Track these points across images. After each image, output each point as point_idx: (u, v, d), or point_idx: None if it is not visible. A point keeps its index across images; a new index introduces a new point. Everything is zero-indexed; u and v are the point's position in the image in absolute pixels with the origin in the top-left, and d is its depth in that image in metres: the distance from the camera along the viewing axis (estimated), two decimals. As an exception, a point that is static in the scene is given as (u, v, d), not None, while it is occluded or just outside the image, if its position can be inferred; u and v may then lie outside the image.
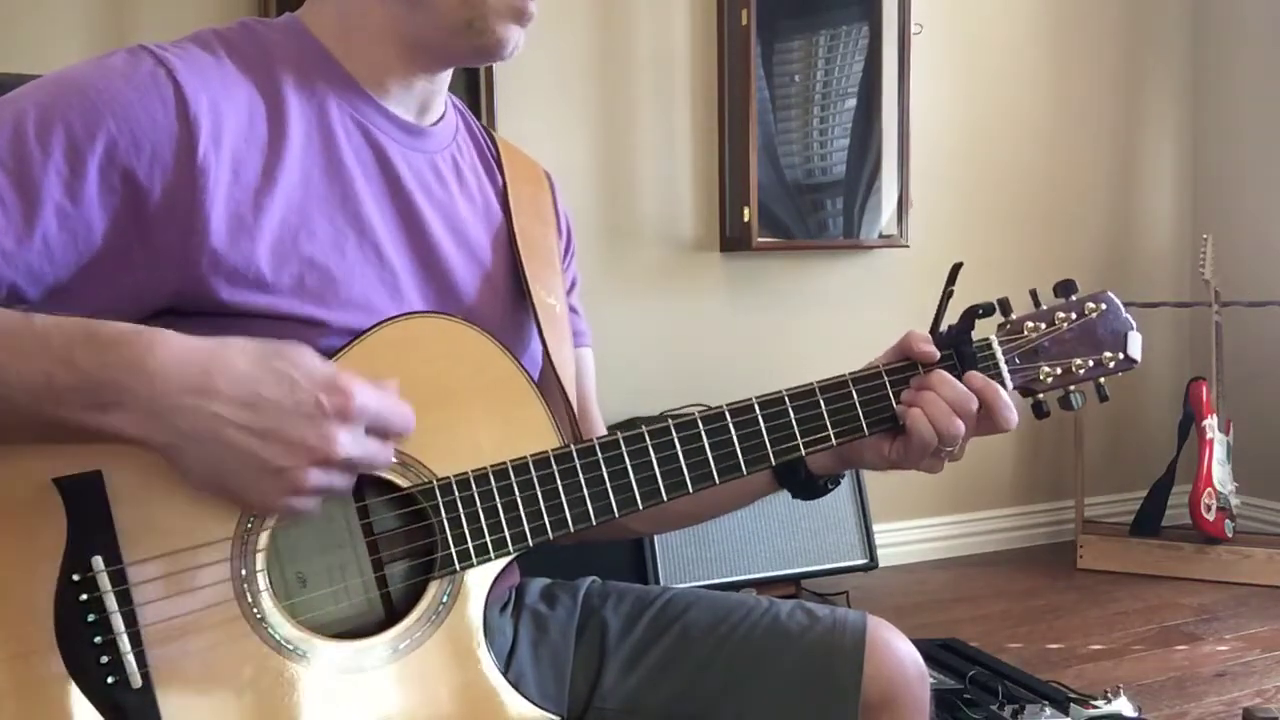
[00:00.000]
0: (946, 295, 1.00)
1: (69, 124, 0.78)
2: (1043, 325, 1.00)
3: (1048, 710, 1.94)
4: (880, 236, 3.05)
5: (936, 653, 2.23)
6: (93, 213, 0.79)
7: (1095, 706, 1.96)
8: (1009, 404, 0.95)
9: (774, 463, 0.93)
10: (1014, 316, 1.00)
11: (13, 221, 0.77)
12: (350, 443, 0.75)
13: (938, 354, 0.96)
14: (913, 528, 3.22)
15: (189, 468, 0.75)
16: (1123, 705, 1.96)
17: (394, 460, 0.81)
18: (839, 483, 1.05)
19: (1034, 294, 1.03)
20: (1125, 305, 1.03)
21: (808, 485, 1.03)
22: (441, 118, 1.01)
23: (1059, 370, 1.00)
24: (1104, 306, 1.02)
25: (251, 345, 0.76)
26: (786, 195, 2.93)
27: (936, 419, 0.92)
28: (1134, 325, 1.02)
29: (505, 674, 0.87)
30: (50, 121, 0.78)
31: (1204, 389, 3.05)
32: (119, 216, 0.80)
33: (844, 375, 0.95)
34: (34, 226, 0.77)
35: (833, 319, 3.02)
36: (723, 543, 2.59)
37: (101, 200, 0.79)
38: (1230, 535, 2.99)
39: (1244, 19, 3.41)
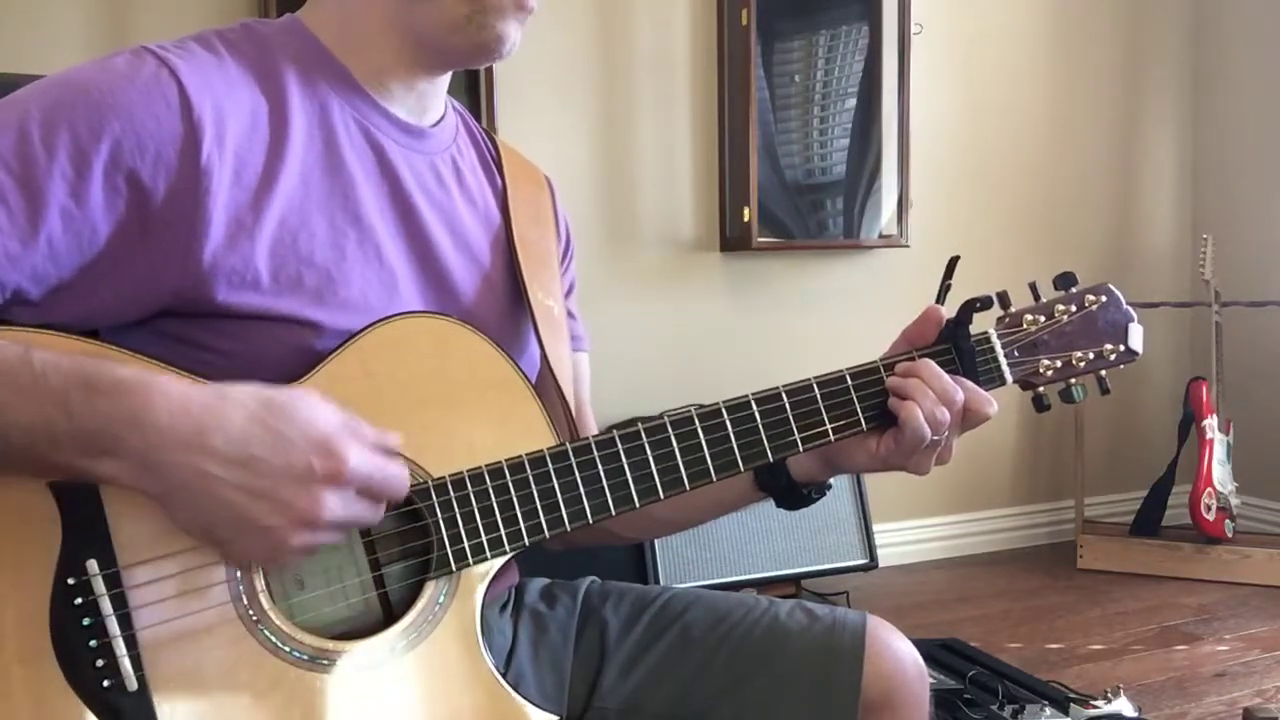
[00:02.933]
0: (944, 288, 1.00)
1: (73, 126, 0.78)
2: (1042, 318, 1.00)
3: (1048, 710, 1.94)
4: (880, 236, 3.05)
5: (936, 653, 2.22)
6: (97, 214, 0.79)
7: (1095, 706, 1.96)
8: (983, 394, 0.94)
9: (771, 459, 0.93)
10: (1013, 309, 1.00)
11: (18, 224, 0.77)
12: (338, 506, 0.75)
13: (940, 311, 0.96)
14: (913, 528, 3.22)
15: (178, 517, 0.75)
16: (1123, 705, 1.96)
17: (381, 518, 0.80)
18: (824, 493, 1.03)
19: (1033, 286, 1.02)
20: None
21: (791, 493, 1.02)
22: (441, 119, 1.01)
23: (1059, 363, 1.00)
24: (1104, 298, 1.01)
25: (251, 399, 0.75)
26: (786, 195, 2.93)
27: (927, 409, 0.91)
28: (1134, 317, 1.01)
29: (505, 674, 0.87)
30: (55, 124, 0.78)
31: (1204, 389, 3.04)
32: (123, 218, 0.80)
33: (842, 370, 0.95)
34: (39, 229, 0.77)
35: (833, 319, 3.02)
36: (723, 543, 2.59)
37: (106, 202, 0.79)
38: (1230, 535, 2.99)
39: (1244, 19, 3.41)
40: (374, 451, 0.77)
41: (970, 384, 0.94)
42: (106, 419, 0.72)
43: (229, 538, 0.75)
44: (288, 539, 0.74)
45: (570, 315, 1.11)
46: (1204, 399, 3.04)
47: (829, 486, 1.04)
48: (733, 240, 2.93)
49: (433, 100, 0.99)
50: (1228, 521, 2.98)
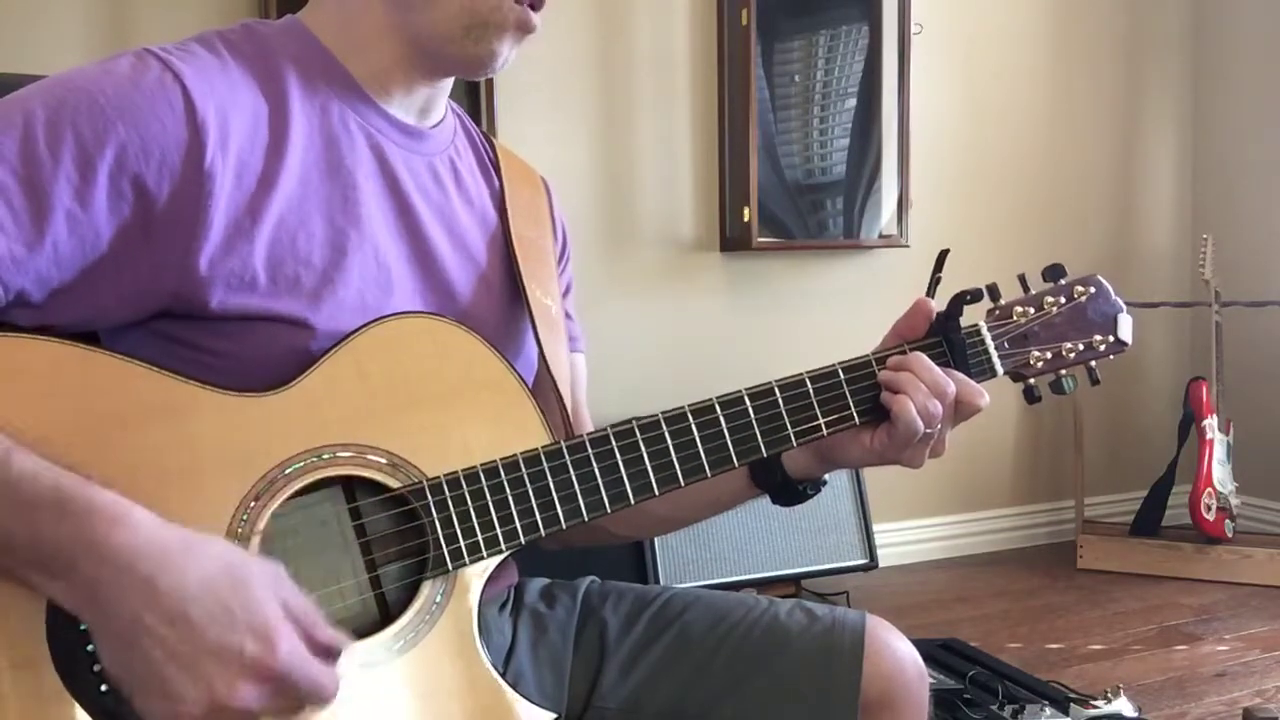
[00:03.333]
0: (934, 281, 1.00)
1: (79, 130, 0.78)
2: (1031, 310, 1.00)
3: (1048, 710, 1.94)
4: (880, 236, 3.05)
5: (936, 653, 2.22)
6: (101, 218, 0.79)
7: (1095, 706, 1.96)
8: (975, 385, 0.95)
9: (765, 454, 0.93)
10: (1003, 302, 1.00)
11: (23, 227, 0.76)
12: (252, 698, 0.71)
13: (930, 304, 0.96)
14: (913, 528, 3.22)
15: (102, 652, 0.72)
16: (1123, 705, 1.96)
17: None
18: (819, 489, 1.03)
19: (1022, 278, 1.02)
20: (1125, 305, 1.03)
21: (786, 489, 1.02)
22: (441, 120, 1.01)
23: (1049, 354, 1.00)
24: (1093, 290, 1.01)
25: (215, 562, 0.72)
26: (786, 195, 2.93)
27: (919, 402, 0.91)
28: (1123, 308, 1.02)
29: (504, 674, 0.87)
30: (60, 127, 0.78)
31: (1204, 389, 3.04)
32: (126, 222, 0.80)
33: (834, 364, 0.95)
34: (44, 233, 0.77)
35: (833, 319, 3.02)
36: (723, 543, 2.59)
37: (110, 206, 0.79)
38: (1230, 535, 2.99)
39: (1244, 19, 3.41)
40: (310, 652, 0.73)
41: (961, 376, 0.95)
42: (67, 543, 0.70)
43: (141, 690, 0.71)
44: (195, 713, 0.70)
45: (567, 316, 1.11)
46: (1204, 399, 3.04)
47: (824, 482, 1.04)
48: (733, 240, 2.92)
49: (434, 103, 0.99)
50: (1228, 521, 2.98)
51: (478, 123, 1.12)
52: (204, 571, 0.71)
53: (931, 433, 0.93)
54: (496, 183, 1.06)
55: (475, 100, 2.60)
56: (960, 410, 0.94)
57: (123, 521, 0.70)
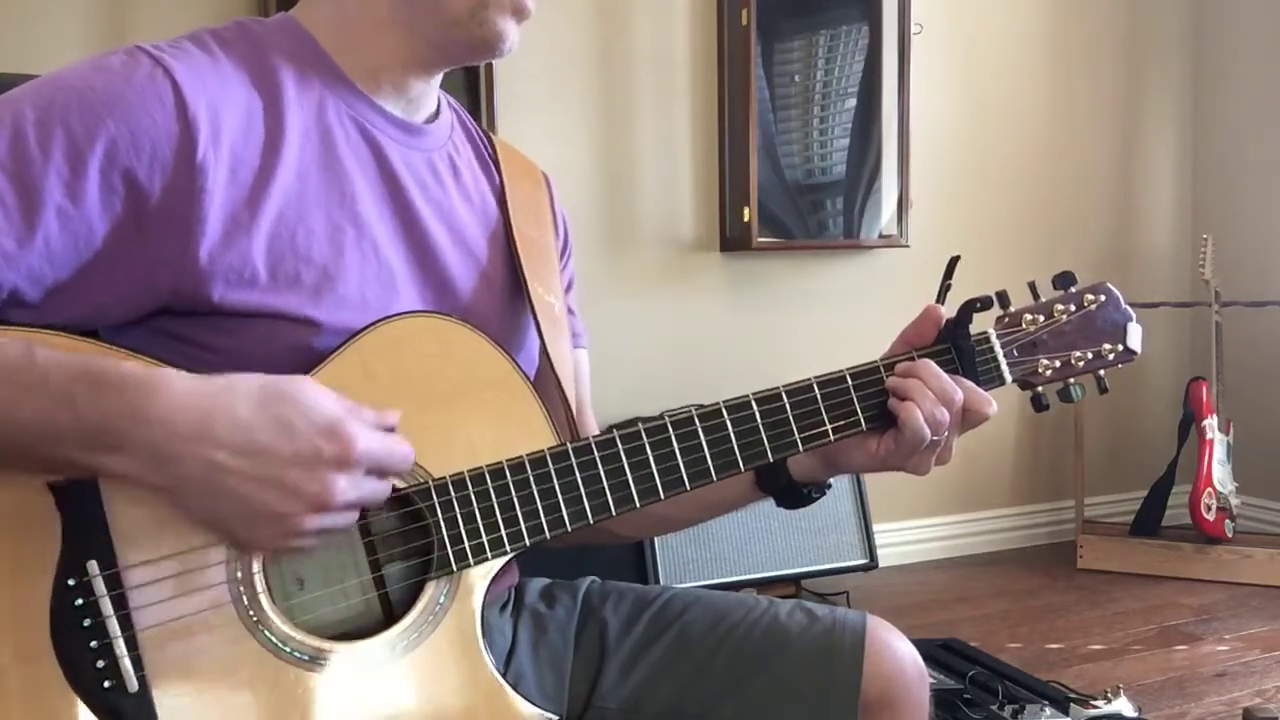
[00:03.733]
0: (944, 288, 0.99)
1: (69, 126, 0.78)
2: (1041, 318, 1.00)
3: (1048, 710, 1.94)
4: (880, 236, 3.05)
5: (936, 653, 2.22)
6: (93, 214, 0.79)
7: (1095, 706, 1.96)
8: (983, 394, 0.94)
9: (771, 459, 0.93)
10: (1012, 309, 1.00)
11: (14, 224, 0.77)
12: (348, 488, 0.76)
13: (940, 311, 0.96)
14: (913, 528, 3.22)
15: (190, 508, 0.76)
16: (1123, 705, 1.96)
17: (390, 492, 0.81)
18: (824, 492, 1.03)
19: (1032, 286, 1.01)
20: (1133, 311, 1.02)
21: (791, 492, 1.02)
22: (436, 116, 1.01)
23: (1058, 363, 1.00)
24: (1103, 298, 1.01)
25: (255, 388, 0.76)
26: (786, 195, 2.93)
27: (927, 410, 0.91)
28: (1133, 316, 1.01)
29: (504, 674, 0.87)
30: (50, 123, 0.78)
31: (1204, 389, 3.04)
32: (119, 217, 0.80)
33: (842, 370, 0.95)
34: (35, 228, 0.77)
35: (833, 319, 3.02)
36: (723, 543, 2.59)
37: (102, 201, 0.79)
38: (1230, 535, 2.99)
39: (1244, 19, 3.41)
40: (377, 431, 0.78)
41: (970, 384, 0.94)
42: (111, 414, 0.72)
43: (242, 526, 0.76)
44: (300, 524, 0.75)
45: (569, 311, 1.11)
46: (1204, 399, 3.04)
47: (829, 486, 1.04)
48: (733, 240, 2.92)
49: (426, 98, 0.99)
50: (1228, 521, 2.98)
51: (477, 121, 1.12)
52: (250, 400, 0.75)
53: (938, 440, 0.93)
54: (497, 178, 1.06)
55: (475, 100, 2.59)
56: (968, 419, 0.94)
57: (155, 383, 0.74)
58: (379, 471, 0.79)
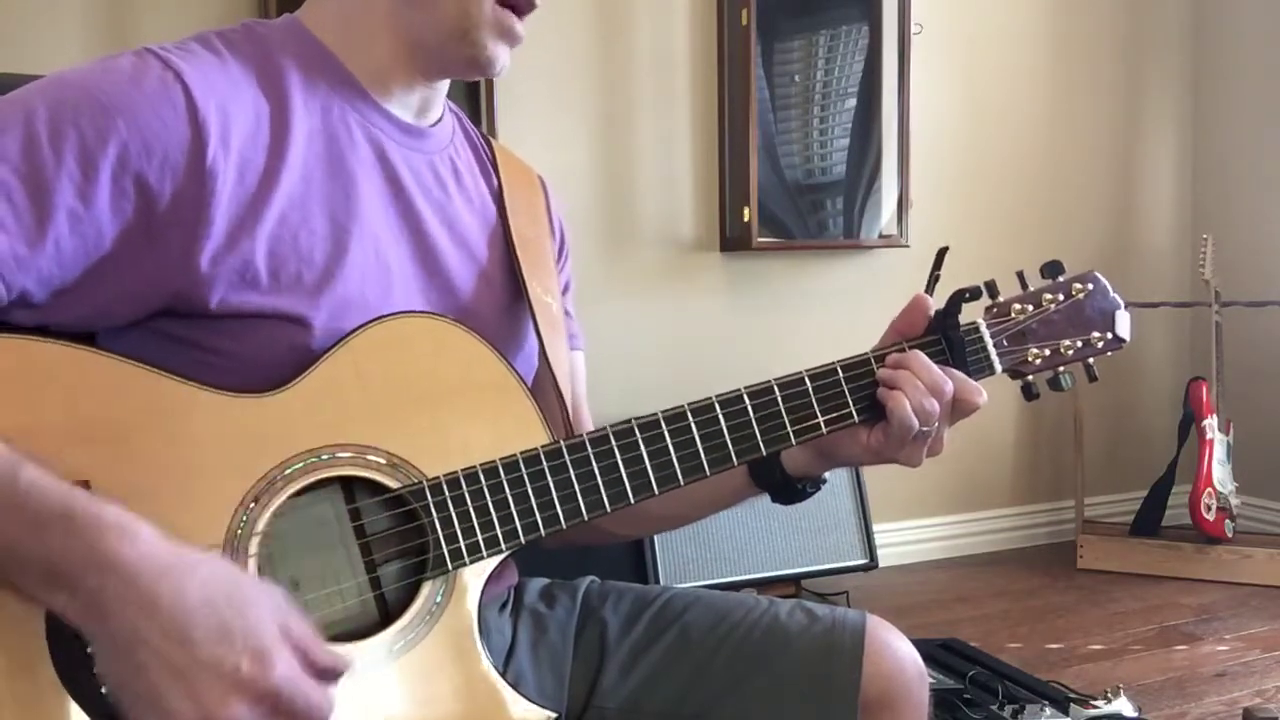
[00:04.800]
0: (933, 279, 1.00)
1: (80, 129, 0.78)
2: (1030, 307, 1.00)
3: (1048, 710, 1.94)
4: (880, 236, 3.05)
5: (936, 653, 2.22)
6: (104, 217, 0.79)
7: (1095, 706, 1.96)
8: (972, 384, 0.94)
9: (764, 453, 0.93)
10: (1001, 299, 1.00)
11: (25, 226, 0.76)
12: (245, 717, 0.70)
13: (928, 300, 0.96)
14: (913, 528, 3.22)
15: (99, 662, 0.72)
16: (1123, 705, 1.96)
17: None
18: (819, 487, 1.03)
19: (1021, 275, 1.02)
20: (1125, 305, 1.03)
21: (785, 487, 1.02)
22: (440, 120, 1.01)
23: (1047, 351, 1.00)
24: (1090, 286, 1.01)
25: (217, 577, 0.73)
26: (786, 195, 2.93)
27: (915, 400, 0.91)
28: (1121, 304, 1.02)
29: (504, 674, 0.87)
30: (62, 125, 0.78)
31: (1204, 389, 3.04)
32: (129, 221, 0.80)
33: (833, 363, 0.95)
34: (46, 231, 0.77)
35: (833, 319, 3.02)
36: (723, 543, 2.59)
37: (113, 205, 0.79)
38: (1230, 535, 2.99)
39: (1244, 19, 3.41)
40: (307, 674, 0.73)
41: (959, 374, 0.95)
42: (73, 557, 0.70)
43: (137, 702, 0.71)
44: (223, 713, 0.70)
45: (566, 313, 1.11)
46: (1204, 399, 3.04)
47: (824, 481, 1.04)
48: (733, 240, 2.92)
49: (432, 101, 0.99)
50: (1228, 521, 2.98)
51: (477, 124, 1.12)
52: (205, 590, 0.71)
53: (929, 430, 0.93)
54: (495, 181, 1.06)
55: (475, 101, 2.60)
56: (958, 409, 0.94)
57: (129, 535, 0.71)
58: (285, 715, 0.72)
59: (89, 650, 0.73)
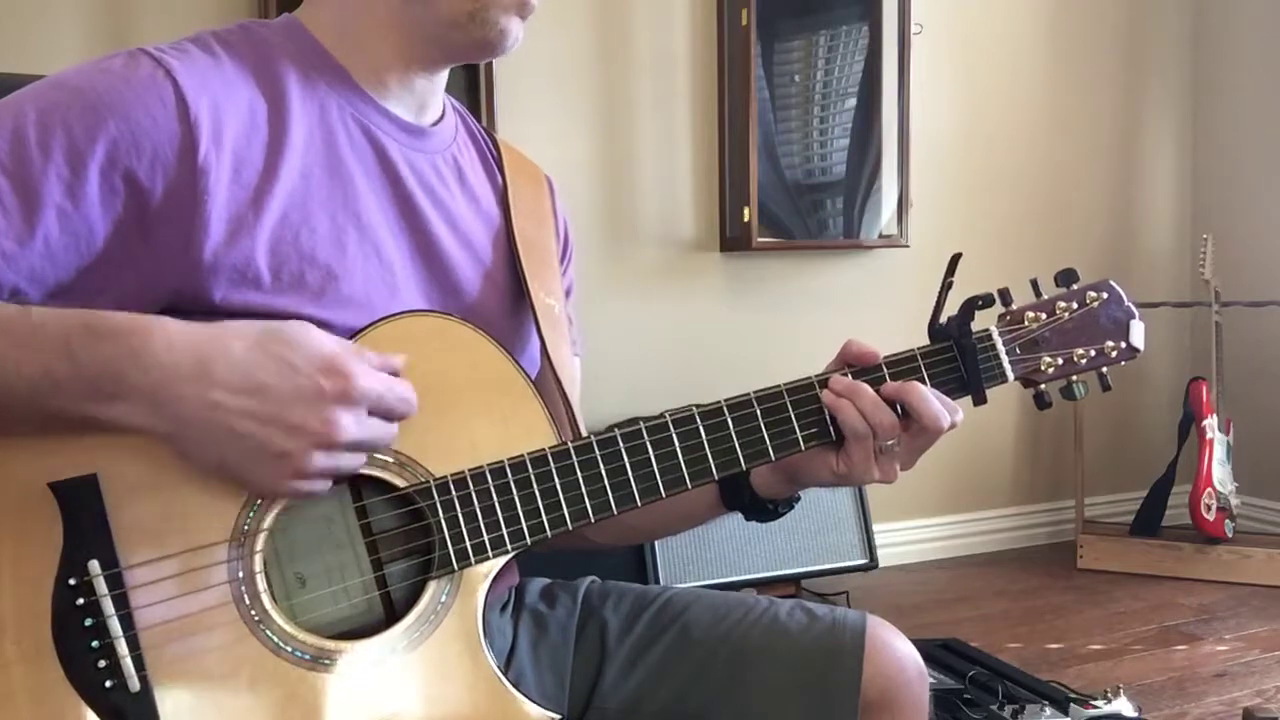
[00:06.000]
0: (946, 286, 0.99)
1: (69, 127, 0.78)
2: (1043, 315, 1.00)
3: (1048, 710, 1.94)
4: (880, 236, 3.05)
5: (936, 653, 2.22)
6: (94, 215, 0.79)
7: (1095, 706, 1.95)
8: (931, 400, 0.92)
9: (774, 458, 0.93)
10: (1014, 307, 1.00)
11: (14, 224, 0.77)
12: (353, 425, 0.76)
13: (878, 354, 0.95)
14: (913, 528, 3.22)
15: (192, 454, 0.76)
16: (1123, 705, 1.96)
17: (396, 438, 0.81)
18: (791, 506, 1.03)
19: (1035, 283, 1.01)
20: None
21: (755, 505, 1.02)
22: (441, 118, 1.01)
23: (1060, 360, 1.00)
24: (1105, 295, 1.01)
25: (250, 328, 0.77)
26: (786, 195, 2.93)
27: (866, 410, 0.91)
28: (1136, 314, 1.01)
29: (505, 674, 0.87)
30: (50, 124, 0.78)
31: (1204, 389, 3.05)
32: (121, 218, 0.80)
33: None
34: (35, 229, 0.77)
35: (833, 319, 3.02)
36: (723, 543, 2.59)
37: (103, 202, 0.79)
38: (1230, 535, 2.99)
39: (1244, 19, 3.41)
40: (377, 371, 0.78)
41: (928, 394, 0.92)
42: (109, 360, 0.73)
43: (248, 469, 0.75)
44: (306, 463, 0.75)
45: (567, 319, 1.11)
46: (1204, 399, 3.04)
47: (797, 499, 1.03)
48: (733, 240, 2.93)
49: (431, 99, 0.99)
50: (1228, 521, 2.98)
51: (478, 122, 1.12)
52: (246, 340, 0.75)
53: (892, 444, 0.92)
54: (499, 180, 1.06)
55: (475, 100, 2.60)
56: (915, 430, 0.92)
57: (150, 328, 0.74)
58: (383, 411, 0.79)
59: (94, 644, 0.73)
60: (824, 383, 0.94)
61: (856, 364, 0.95)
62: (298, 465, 0.75)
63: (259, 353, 0.75)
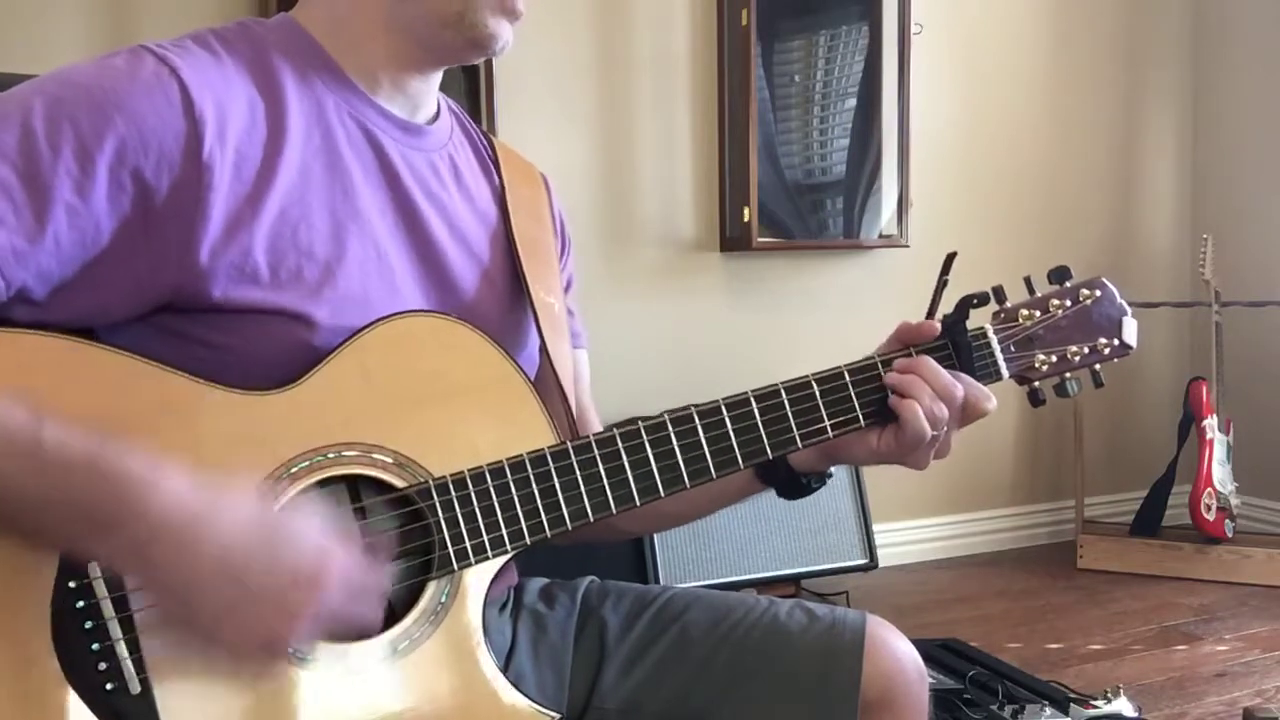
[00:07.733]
0: (941, 284, 1.00)
1: (77, 124, 0.78)
2: (1037, 313, 1.00)
3: (1048, 710, 1.94)
4: (880, 236, 3.05)
5: (936, 653, 2.22)
6: (101, 212, 0.79)
7: (1095, 706, 1.96)
8: (983, 389, 0.95)
9: (770, 456, 0.93)
10: (1009, 304, 1.00)
11: (24, 221, 0.77)
12: (304, 633, 0.75)
13: (937, 328, 0.96)
14: (913, 528, 3.22)
15: (157, 604, 0.74)
16: (1123, 705, 1.96)
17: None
18: (824, 482, 1.04)
19: (1028, 281, 1.02)
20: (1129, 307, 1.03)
21: (791, 484, 1.02)
22: (437, 117, 1.01)
23: (1054, 358, 1.00)
24: (1098, 293, 1.01)
25: (246, 510, 0.75)
26: (786, 195, 2.93)
27: (927, 407, 0.92)
28: (1128, 311, 1.02)
29: (504, 674, 0.87)
30: (58, 121, 0.78)
31: (1204, 389, 3.05)
32: (127, 215, 0.80)
33: (839, 367, 0.95)
34: (45, 226, 0.77)
35: (833, 319, 3.02)
36: (723, 543, 2.59)
37: (110, 199, 0.79)
38: (1230, 535, 2.99)
39: (1244, 20, 3.41)
40: (351, 590, 0.76)
41: (969, 379, 0.95)
42: (107, 502, 0.71)
43: (196, 636, 0.74)
44: (245, 657, 0.75)
45: (569, 312, 1.11)
46: (1204, 399, 3.04)
47: (829, 475, 1.04)
48: (733, 240, 2.93)
49: (426, 97, 0.99)
50: (1228, 521, 2.98)
51: (477, 122, 1.12)
52: (239, 523, 0.74)
53: (938, 435, 0.93)
54: (497, 180, 1.06)
55: (475, 100, 2.59)
56: (967, 414, 0.95)
57: (158, 486, 0.72)
58: (343, 621, 0.77)
59: (94, 647, 0.74)
60: (887, 364, 0.95)
61: (917, 343, 0.96)
62: (239, 655, 0.75)
63: (246, 543, 0.73)
